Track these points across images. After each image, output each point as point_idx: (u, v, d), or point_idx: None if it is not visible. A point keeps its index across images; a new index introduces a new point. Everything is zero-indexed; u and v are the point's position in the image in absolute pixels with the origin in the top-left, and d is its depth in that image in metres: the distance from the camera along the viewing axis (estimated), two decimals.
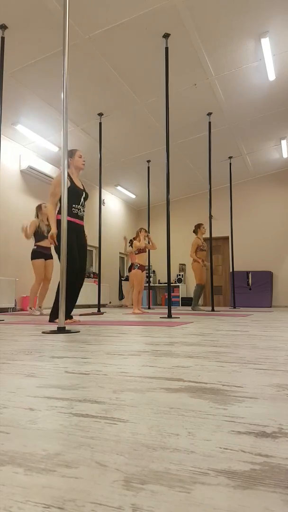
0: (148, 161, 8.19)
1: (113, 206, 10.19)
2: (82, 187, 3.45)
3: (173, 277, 10.59)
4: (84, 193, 3.43)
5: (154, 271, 10.91)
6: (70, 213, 3.23)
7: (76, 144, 6.95)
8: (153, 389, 0.84)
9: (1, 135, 5.40)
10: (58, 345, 1.70)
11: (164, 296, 10.84)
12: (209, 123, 6.54)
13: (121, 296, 10.11)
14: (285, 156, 8.66)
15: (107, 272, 9.51)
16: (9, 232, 6.43)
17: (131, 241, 5.94)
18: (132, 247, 5.86)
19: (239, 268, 9.78)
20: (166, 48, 4.58)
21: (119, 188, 9.62)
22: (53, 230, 3.20)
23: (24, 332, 2.42)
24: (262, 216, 9.90)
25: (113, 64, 5.11)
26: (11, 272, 6.41)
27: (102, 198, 9.31)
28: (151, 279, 9.94)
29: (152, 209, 10.78)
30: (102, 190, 9.09)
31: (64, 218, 2.52)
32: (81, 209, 3.40)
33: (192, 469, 0.45)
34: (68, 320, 3.33)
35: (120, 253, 10.37)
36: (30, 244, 5.51)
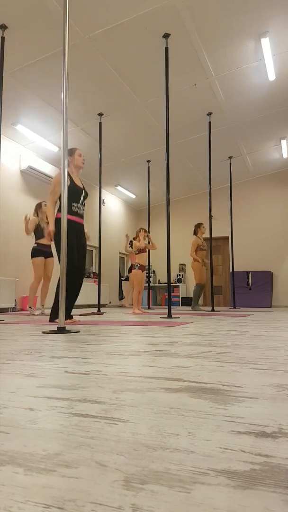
0: (148, 161, 8.19)
1: (113, 206, 10.19)
2: (81, 186, 3.46)
3: (173, 277, 10.59)
4: (83, 191, 3.45)
5: (154, 271, 10.91)
6: (70, 211, 3.24)
7: (76, 144, 6.95)
8: (153, 389, 0.84)
9: (1, 135, 5.40)
10: (58, 345, 1.70)
11: (164, 296, 10.84)
12: (209, 123, 6.54)
13: (121, 296, 10.11)
14: (285, 156, 8.66)
15: (107, 272, 9.50)
16: (9, 232, 6.43)
17: (131, 242, 5.94)
18: (132, 247, 5.86)
19: (239, 268, 9.78)
20: (166, 48, 4.58)
21: (119, 188, 9.62)
22: (51, 227, 3.22)
23: (24, 332, 2.42)
24: (262, 216, 9.90)
25: (113, 64, 5.11)
26: (11, 272, 6.41)
27: (102, 198, 9.31)
28: (151, 279, 9.94)
29: (152, 209, 10.78)
30: (102, 190, 9.09)
31: (64, 217, 2.52)
32: (81, 207, 3.41)
33: (192, 469, 0.45)
34: (68, 320, 3.33)
35: (120, 253, 10.37)
36: (30, 244, 5.51)
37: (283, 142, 7.89)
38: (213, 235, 9.37)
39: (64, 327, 2.38)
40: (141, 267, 5.64)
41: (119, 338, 1.97)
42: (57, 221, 3.18)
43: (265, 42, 4.79)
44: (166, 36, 4.56)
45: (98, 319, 3.96)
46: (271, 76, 5.48)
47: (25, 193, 6.94)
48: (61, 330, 2.34)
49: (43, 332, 2.35)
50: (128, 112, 6.30)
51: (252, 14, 4.39)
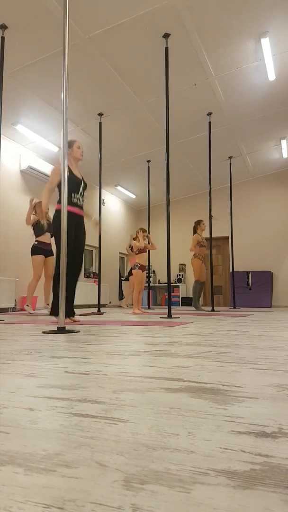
0: (148, 161, 8.19)
1: (113, 206, 10.19)
2: (80, 177, 3.47)
3: (173, 277, 10.59)
4: (83, 182, 3.46)
5: (154, 271, 10.91)
6: (69, 202, 3.24)
7: None
8: (153, 389, 0.84)
9: (1, 135, 5.40)
10: (58, 345, 1.70)
11: (164, 296, 10.84)
12: (209, 123, 6.54)
13: (121, 296, 10.11)
14: (285, 156, 8.66)
15: (107, 272, 9.50)
16: (9, 232, 6.43)
17: (131, 247, 5.95)
18: (132, 250, 5.87)
19: (239, 268, 9.78)
20: (166, 48, 4.58)
21: (119, 188, 9.62)
22: (45, 200, 3.36)
23: (24, 332, 2.42)
24: (262, 216, 9.90)
25: (113, 64, 5.11)
26: (11, 272, 6.41)
27: (102, 198, 9.31)
28: (151, 279, 9.94)
29: (152, 209, 10.78)
30: (102, 190, 9.09)
31: (64, 217, 2.52)
32: (80, 198, 3.43)
33: (192, 469, 0.45)
34: (68, 320, 3.33)
35: (120, 253, 10.37)
36: (30, 244, 5.51)
37: (283, 142, 7.89)
38: (213, 235, 9.37)
39: (64, 327, 2.38)
40: (142, 267, 5.64)
41: (119, 338, 1.97)
42: (57, 212, 3.18)
43: (265, 42, 4.79)
44: (166, 36, 4.56)
45: (98, 319, 3.96)
46: (271, 76, 5.48)
47: (25, 193, 6.94)
48: (61, 330, 2.34)
49: (43, 332, 2.35)
50: (128, 112, 6.30)
51: (252, 14, 4.39)
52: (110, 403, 0.73)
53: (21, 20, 4.23)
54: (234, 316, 4.47)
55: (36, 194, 7.12)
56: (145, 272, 5.80)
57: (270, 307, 9.06)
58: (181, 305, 10.06)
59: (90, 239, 6.79)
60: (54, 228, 3.27)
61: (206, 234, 7.66)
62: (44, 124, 6.30)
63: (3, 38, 4.21)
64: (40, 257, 5.34)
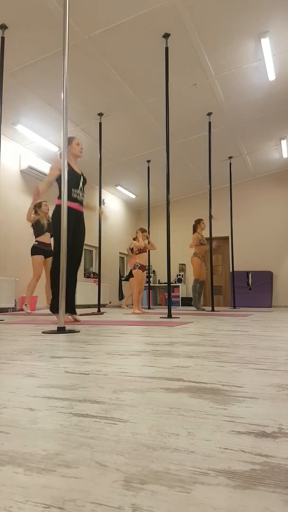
0: (148, 161, 8.19)
1: (113, 206, 10.19)
2: (80, 172, 3.48)
3: (173, 277, 10.59)
4: (82, 177, 3.47)
5: (154, 271, 10.91)
6: (69, 197, 3.25)
7: None
8: (153, 389, 0.84)
9: (1, 135, 5.40)
10: (58, 345, 1.70)
11: (164, 296, 10.84)
12: (209, 123, 6.54)
13: (121, 296, 10.11)
14: (285, 156, 8.66)
15: (107, 272, 9.50)
16: (9, 232, 6.43)
17: (131, 249, 5.96)
18: (132, 252, 5.88)
19: (239, 268, 9.78)
20: (166, 48, 4.58)
21: (119, 188, 9.62)
22: (43, 187, 3.38)
23: (24, 332, 2.42)
24: (262, 216, 9.90)
25: (113, 64, 5.11)
26: (11, 272, 6.41)
27: (102, 198, 9.30)
28: (151, 279, 9.94)
29: (152, 209, 10.77)
30: (102, 190, 9.08)
31: (64, 217, 2.52)
32: (80, 193, 3.44)
33: (192, 469, 0.45)
34: (70, 318, 3.32)
35: (120, 253, 10.37)
36: (30, 244, 5.51)
37: (283, 142, 7.89)
38: (213, 235, 9.36)
39: (64, 327, 2.38)
40: (142, 267, 5.64)
41: (119, 338, 1.97)
42: (57, 208, 3.19)
43: (265, 42, 4.79)
44: (166, 36, 4.56)
45: (98, 319, 3.96)
46: (271, 76, 5.48)
47: (25, 193, 6.94)
48: (61, 330, 2.34)
49: (43, 332, 2.35)
50: (128, 112, 6.30)
51: (252, 14, 4.39)
52: (110, 403, 0.73)
53: (21, 20, 4.23)
54: (234, 316, 4.47)
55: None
56: (145, 272, 5.81)
57: (270, 307, 9.06)
58: (181, 305, 10.06)
59: (90, 239, 6.80)
60: (53, 223, 3.27)
61: (206, 235, 7.66)
62: (44, 124, 6.30)
63: (3, 38, 4.21)
64: (40, 257, 5.35)
